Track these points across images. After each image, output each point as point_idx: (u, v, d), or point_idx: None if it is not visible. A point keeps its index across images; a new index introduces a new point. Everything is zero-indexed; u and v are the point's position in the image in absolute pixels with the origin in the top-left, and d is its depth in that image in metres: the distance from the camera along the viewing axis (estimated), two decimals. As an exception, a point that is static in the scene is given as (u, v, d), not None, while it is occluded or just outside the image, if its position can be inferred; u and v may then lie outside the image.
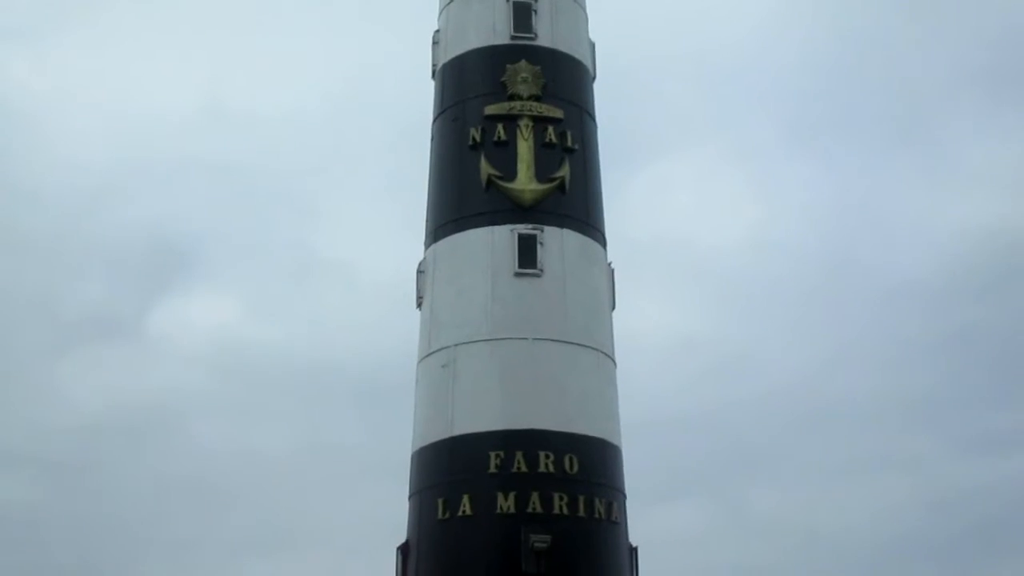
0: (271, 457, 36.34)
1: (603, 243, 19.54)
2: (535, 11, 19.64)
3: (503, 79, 19.30)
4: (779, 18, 43.05)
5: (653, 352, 35.11)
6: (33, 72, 43.36)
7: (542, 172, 18.89)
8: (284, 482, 35.16)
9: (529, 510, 17.24)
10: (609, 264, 19.56)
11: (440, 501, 17.66)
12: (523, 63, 19.35)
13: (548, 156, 19.00)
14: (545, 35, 19.62)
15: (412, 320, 19.44)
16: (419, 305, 19.26)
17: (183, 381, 37.59)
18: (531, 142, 18.93)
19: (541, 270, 18.44)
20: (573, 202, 19.03)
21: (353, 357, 36.68)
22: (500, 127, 19.03)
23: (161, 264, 40.71)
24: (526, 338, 18.08)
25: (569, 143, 19.23)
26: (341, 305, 39.17)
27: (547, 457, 17.43)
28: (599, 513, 17.67)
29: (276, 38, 45.40)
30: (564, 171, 19.03)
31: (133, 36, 44.81)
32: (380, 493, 30.15)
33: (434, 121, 20.08)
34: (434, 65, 20.33)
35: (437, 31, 20.49)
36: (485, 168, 18.91)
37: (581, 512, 17.44)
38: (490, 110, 19.18)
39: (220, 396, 37.94)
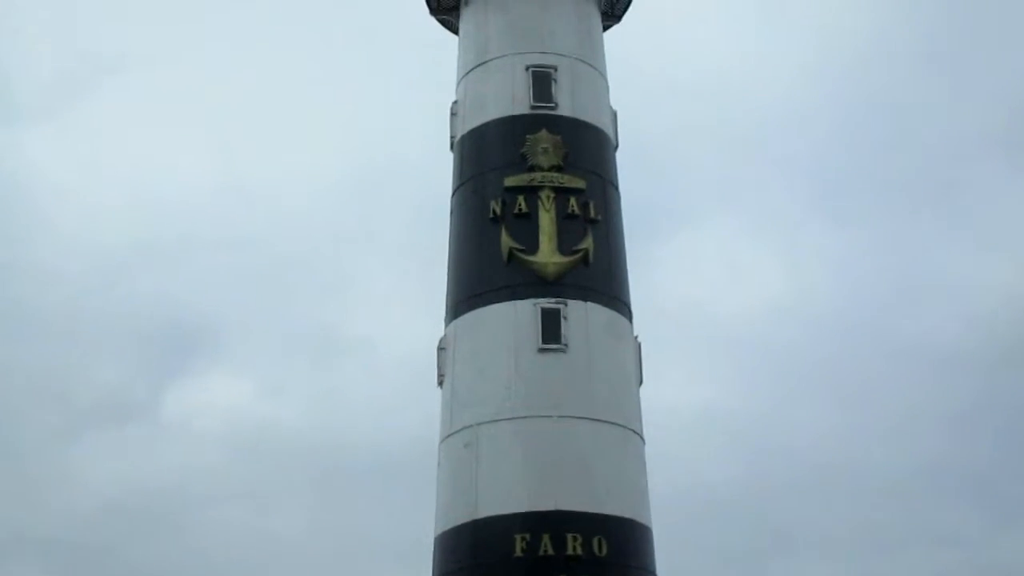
0: (288, 540, 36.31)
1: (629, 316, 19.37)
2: (555, 80, 19.60)
3: (523, 150, 19.23)
4: (803, 83, 43.28)
5: (683, 426, 34.96)
6: (49, 150, 43.86)
7: (565, 244, 18.76)
8: (301, 566, 34.83)
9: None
10: (635, 337, 19.41)
11: (465, 582, 17.81)
12: (543, 133, 19.30)
13: (571, 228, 18.91)
14: (566, 104, 19.56)
15: (433, 399, 19.42)
16: (440, 383, 19.13)
17: (199, 463, 37.58)
18: (553, 213, 18.84)
19: (565, 345, 18.28)
20: (597, 274, 18.89)
21: (372, 437, 36.63)
22: (521, 199, 18.94)
23: (177, 344, 40.82)
24: (551, 416, 17.92)
25: (592, 214, 19.11)
26: (360, 384, 39.20)
27: (575, 539, 17.21)
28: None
29: (294, 110, 45.60)
30: (587, 243, 18.90)
31: (149, 110, 45.06)
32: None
33: (453, 194, 20.08)
34: (452, 137, 20.29)
35: (455, 102, 20.48)
36: (506, 241, 18.79)
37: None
38: (510, 182, 19.07)
39: (236, 478, 37.85)
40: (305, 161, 43.82)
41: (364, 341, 40.15)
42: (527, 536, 17.18)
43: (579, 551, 17.17)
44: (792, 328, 40.61)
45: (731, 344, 39.64)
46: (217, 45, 46.39)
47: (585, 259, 18.78)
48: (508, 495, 17.56)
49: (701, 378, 38.66)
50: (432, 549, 18.39)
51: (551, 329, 18.25)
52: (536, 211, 18.84)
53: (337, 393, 39.46)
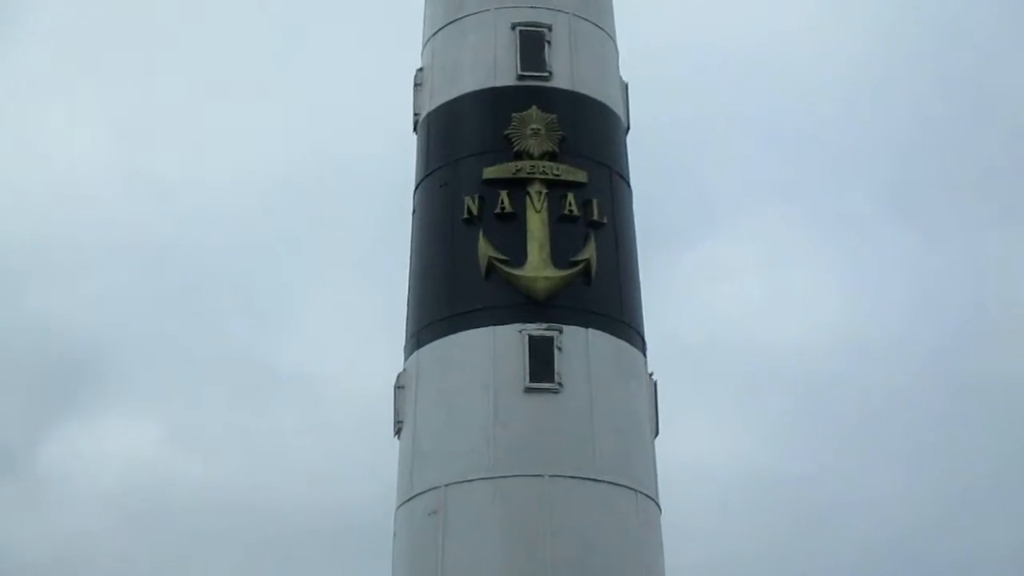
0: None
1: (642, 348, 18.54)
2: (549, 42, 18.76)
3: (507, 132, 18.31)
4: (870, 56, 41.73)
5: (709, 490, 33.36)
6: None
7: (560, 254, 17.94)
8: None
9: None
10: (650, 375, 18.63)
11: None
12: (534, 110, 18.37)
13: (568, 233, 18.06)
14: (563, 73, 18.71)
15: (390, 452, 18.77)
16: (398, 432, 18.46)
17: (87, 528, 35.78)
18: (545, 214, 18.04)
19: (560, 384, 17.53)
20: (602, 294, 18.17)
21: (311, 501, 35.04)
22: (504, 195, 18.05)
23: (63, 377, 38.82)
24: (541, 475, 17.20)
25: (595, 215, 18.17)
26: (296, 431, 37.64)
27: None
28: None
29: (226, 88, 43.89)
30: (589, 252, 18.02)
31: (38, 82, 43.48)
32: None
33: (416, 188, 19.20)
34: (416, 114, 19.40)
35: (420, 70, 19.60)
36: (485, 249, 17.86)
37: None
38: (490, 173, 18.15)
39: (137, 550, 35.92)
40: (236, 151, 42.63)
41: (303, 377, 38.77)
42: None
43: None
44: (850, 363, 38.61)
45: (771, 384, 38.01)
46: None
47: (586, 273, 17.93)
48: None
49: (733, 428, 37.21)
50: None
51: (542, 363, 17.68)
52: (523, 211, 18.04)
53: (267, 443, 37.91)
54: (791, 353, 38.51)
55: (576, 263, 17.99)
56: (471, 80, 18.71)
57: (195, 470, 37.19)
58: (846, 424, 37.18)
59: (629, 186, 19.29)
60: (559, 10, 19.03)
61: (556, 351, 17.56)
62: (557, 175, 18.24)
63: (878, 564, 34.48)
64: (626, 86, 19.66)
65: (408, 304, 18.93)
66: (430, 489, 17.51)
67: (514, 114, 18.30)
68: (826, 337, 39.22)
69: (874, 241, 41.51)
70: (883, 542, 34.99)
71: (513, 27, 18.80)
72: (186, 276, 39.75)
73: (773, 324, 40.00)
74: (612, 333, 18.17)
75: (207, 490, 36.28)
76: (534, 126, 18.22)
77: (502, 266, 17.86)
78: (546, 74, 18.56)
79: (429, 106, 19.10)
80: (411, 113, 19.49)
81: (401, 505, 17.93)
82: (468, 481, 17.26)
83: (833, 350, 38.84)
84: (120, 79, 43.36)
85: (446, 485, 17.36)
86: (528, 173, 18.21)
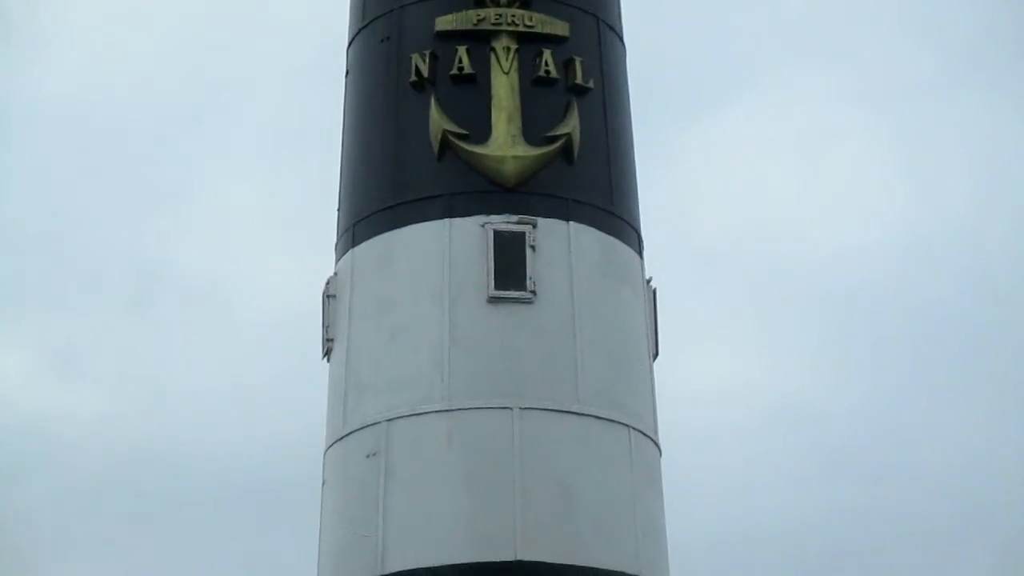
0: None
1: (637, 247, 18.65)
2: None
3: None
4: None
5: (720, 429, 33.81)
6: None
7: (534, 128, 17.98)
8: None
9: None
10: (648, 281, 18.60)
11: None
12: None
13: (544, 100, 18.13)
14: None
15: (317, 379, 18.81)
16: (327, 354, 18.50)
17: None
18: (515, 77, 18.15)
19: (533, 292, 17.56)
20: (587, 178, 18.18)
21: (219, 442, 35.65)
22: (462, 52, 18.12)
23: None
24: (509, 408, 17.27)
25: (579, 78, 18.24)
26: (201, 355, 38.28)
27: None
28: None
29: None
30: (571, 125, 18.07)
31: None
32: None
33: (350, 43, 19.22)
34: None
35: None
36: (437, 121, 17.94)
37: None
38: (444, 23, 18.23)
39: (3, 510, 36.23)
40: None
41: (210, 287, 39.61)
42: None
43: None
44: (900, 274, 38.67)
45: (800, 297, 38.38)
46: None
47: (567, 151, 18.00)
48: (437, 536, 16.97)
49: (754, 350, 37.59)
50: None
51: (510, 265, 17.67)
52: (487, 72, 18.12)
53: (163, 370, 38.53)
54: (825, 259, 38.77)
55: (554, 139, 17.96)
56: (418, -102, 18.69)
57: (74, 405, 37.90)
58: (894, 345, 37.61)
59: (622, 41, 19.19)
60: None
61: (528, 250, 17.58)
62: (530, 26, 18.20)
63: (921, 509, 34.95)
64: (617, -92, 19.45)
65: (340, 191, 18.91)
66: (368, 425, 17.49)
67: (474, -54, 18.08)
68: (872, 240, 39.34)
69: (944, 109, 41.50)
70: (927, 484, 35.44)
71: None
72: (59, 162, 40.29)
73: (804, 222, 40.30)
74: (599, 227, 18.11)
75: (87, 431, 36.98)
76: (500, -38, 18.01)
77: (460, 142, 17.83)
78: None
79: (365, -64, 19.06)
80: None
81: (332, 445, 17.93)
82: (416, 415, 17.25)
83: (879, 256, 38.99)
84: None
85: (388, 420, 17.34)
86: (493, 24, 18.17)
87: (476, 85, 18.04)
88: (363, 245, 18.22)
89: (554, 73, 18.19)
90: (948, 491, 35.54)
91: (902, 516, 34.98)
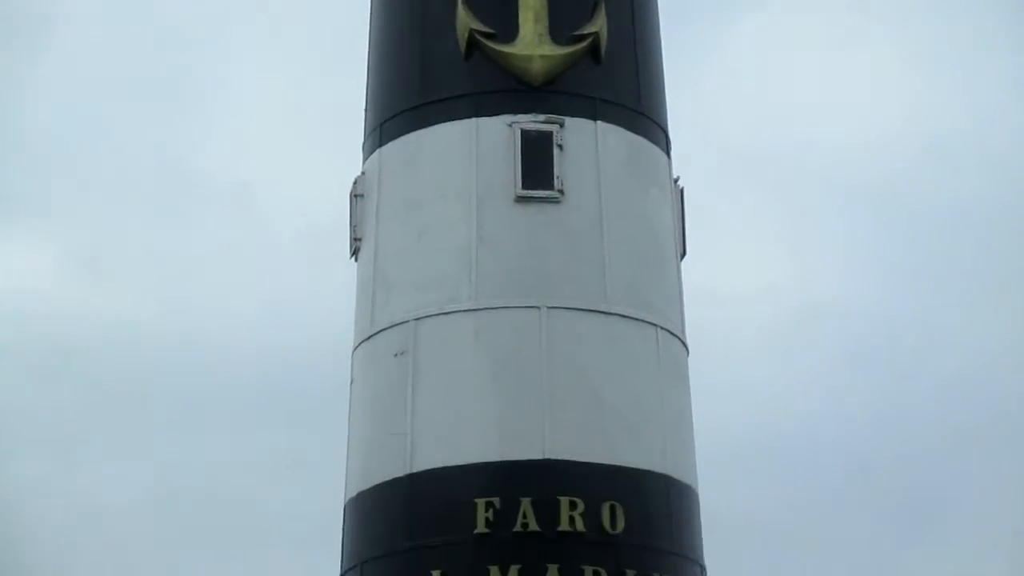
0: (113, 510, 35.13)
1: (665, 146, 18.60)
2: None
3: None
4: None
5: (750, 329, 33.96)
6: None
7: (561, 26, 17.93)
8: (133, 551, 33.92)
9: (545, 596, 16.49)
10: (676, 181, 18.62)
11: (395, 582, 16.93)
12: None
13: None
14: None
15: (345, 279, 18.94)
16: (355, 253, 18.57)
17: None
18: None
19: (560, 192, 17.62)
20: (615, 76, 18.14)
21: (248, 342, 35.74)
22: None
23: None
24: (536, 307, 17.34)
25: None
26: (226, 255, 38.29)
27: (573, 507, 16.78)
28: (661, 598, 16.88)
29: None
30: (599, 24, 18.03)
31: None
32: (291, 570, 30.10)
33: None
34: None
35: None
36: (465, 20, 17.90)
37: (632, 597, 16.64)
38: None
39: (29, 409, 36.47)
40: None
41: (235, 186, 39.42)
42: (495, 501, 16.77)
43: (580, 526, 16.75)
44: (935, 167, 38.47)
45: (831, 197, 38.22)
46: None
47: (594, 50, 17.97)
48: (465, 435, 17.09)
49: (781, 250, 37.32)
50: (341, 521, 18.14)
51: (538, 164, 17.67)
52: None
53: (191, 270, 38.37)
54: (852, 158, 38.37)
55: (581, 38, 17.94)
56: None
57: (98, 305, 37.58)
58: (929, 246, 37.49)
59: (649, -62, 18.73)
60: None
61: (556, 149, 17.61)
62: (558, -76, 17.78)
63: (950, 406, 35.01)
64: None
65: (367, 91, 18.89)
66: (396, 324, 17.62)
67: None
68: (897, 137, 38.89)
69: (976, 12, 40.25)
70: (959, 384, 35.39)
71: None
72: (86, 65, 39.84)
73: (837, 121, 39.85)
74: (627, 127, 18.12)
75: (114, 333, 36.81)
76: None
77: (487, 41, 17.80)
78: None
79: None
80: None
81: (360, 345, 18.07)
82: (444, 314, 17.36)
83: (905, 153, 38.78)
84: None
85: (416, 319, 17.46)
86: None
87: (504, -16, 17.91)
88: (390, 145, 18.22)
89: (581, -29, 17.95)
90: (980, 391, 35.48)
91: (932, 417, 35.04)
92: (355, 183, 18.60)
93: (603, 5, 18.15)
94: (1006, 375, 35.51)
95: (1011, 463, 34.29)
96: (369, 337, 17.94)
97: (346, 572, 17.73)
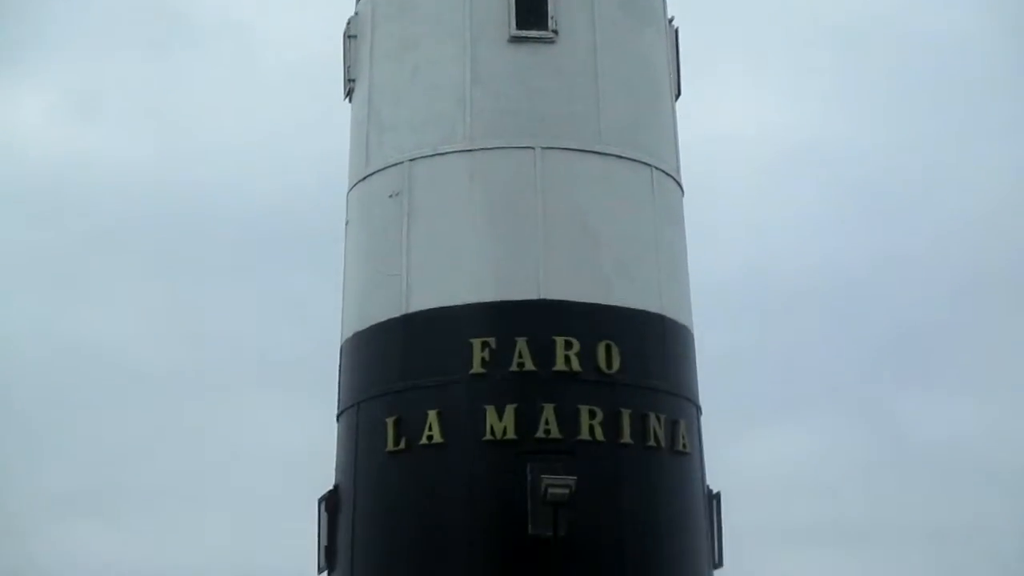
0: (112, 356, 35.13)
1: None
2: None
3: None
4: None
5: (745, 169, 33.77)
6: None
7: None
8: (133, 397, 33.79)
9: (539, 434, 16.74)
10: (670, 21, 18.68)
11: (390, 422, 17.17)
12: None
13: None
14: None
15: (340, 120, 19.01)
16: (349, 94, 18.63)
17: None
18: None
19: (555, 32, 17.64)
20: None
21: (243, 183, 35.62)
22: None
23: None
24: (531, 147, 17.37)
25: None
26: (223, 94, 37.88)
27: (568, 346, 16.89)
28: (656, 438, 17.14)
29: None
30: None
31: None
32: (288, 411, 30.15)
33: None
34: None
35: None
36: None
37: (626, 437, 16.95)
38: None
39: (26, 251, 36.28)
40: None
41: (230, 26, 39.02)
42: (491, 341, 16.88)
43: (575, 365, 16.86)
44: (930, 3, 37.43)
45: (830, 34, 37.47)
46: None
47: None
48: (460, 275, 17.21)
49: (779, 89, 37.09)
50: (338, 362, 18.29)
51: (532, 4, 17.66)
52: None
53: (185, 109, 38.02)
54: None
55: None
56: None
57: (96, 147, 37.38)
58: (920, 83, 36.71)
59: None
60: None
61: (550, -12, 17.52)
62: None
63: (950, 250, 34.73)
64: None
65: (360, -74, 18.64)
66: (391, 165, 17.69)
67: None
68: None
69: None
70: (959, 224, 34.95)
71: None
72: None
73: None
74: (623, -35, 18.01)
75: (109, 175, 36.54)
76: None
77: None
78: None
79: None
80: None
81: (355, 186, 18.17)
82: (438, 155, 17.43)
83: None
84: None
85: (411, 160, 17.53)
86: None
87: None
88: (384, -18, 18.14)
89: None
90: (978, 236, 35.25)
91: (926, 260, 34.91)
92: (348, 24, 18.47)
93: None
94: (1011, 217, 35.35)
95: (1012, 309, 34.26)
96: (364, 178, 17.99)
97: (343, 412, 17.81)
